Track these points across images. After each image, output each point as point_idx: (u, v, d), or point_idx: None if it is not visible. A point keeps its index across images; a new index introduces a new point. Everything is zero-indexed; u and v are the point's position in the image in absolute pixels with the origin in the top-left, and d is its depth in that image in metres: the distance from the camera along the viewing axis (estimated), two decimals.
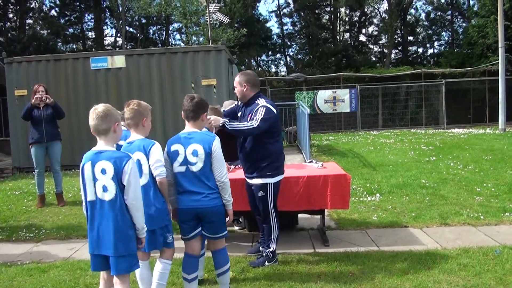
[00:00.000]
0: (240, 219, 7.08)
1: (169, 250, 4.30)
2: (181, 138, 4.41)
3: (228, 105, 6.34)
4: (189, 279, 4.40)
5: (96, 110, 3.63)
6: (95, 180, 3.57)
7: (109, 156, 3.57)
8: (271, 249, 5.48)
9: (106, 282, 3.77)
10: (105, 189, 3.55)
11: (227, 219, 4.55)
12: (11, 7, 37.59)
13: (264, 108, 5.20)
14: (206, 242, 4.76)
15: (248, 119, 5.30)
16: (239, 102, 5.69)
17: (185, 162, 4.33)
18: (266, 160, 5.31)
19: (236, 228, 7.10)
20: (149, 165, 4.11)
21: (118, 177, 3.55)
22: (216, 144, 4.39)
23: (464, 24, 42.16)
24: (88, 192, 3.61)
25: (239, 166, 6.30)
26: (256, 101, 5.36)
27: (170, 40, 43.10)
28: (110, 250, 3.55)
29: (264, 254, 5.52)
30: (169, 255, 4.32)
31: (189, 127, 4.49)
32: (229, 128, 5.14)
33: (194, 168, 4.32)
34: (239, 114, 5.62)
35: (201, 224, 4.42)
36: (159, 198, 4.16)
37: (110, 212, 3.56)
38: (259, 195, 5.40)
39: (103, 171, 3.54)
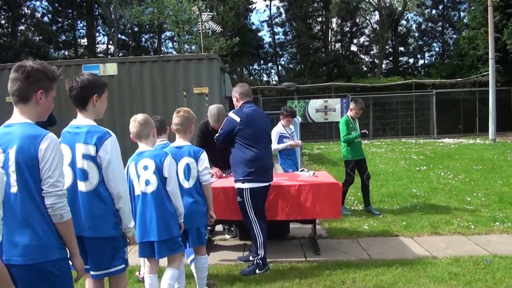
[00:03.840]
0: (232, 228, 7.07)
1: (204, 247, 4.77)
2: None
3: (213, 111, 6.38)
4: None
5: (137, 119, 4.19)
6: (138, 176, 4.12)
7: (150, 155, 4.14)
8: (260, 256, 5.49)
9: (150, 268, 4.26)
10: (147, 182, 4.09)
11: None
12: (3, 13, 37.53)
13: (225, 118, 5.63)
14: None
15: None
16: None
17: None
18: (238, 166, 5.51)
19: (227, 236, 7.09)
20: (198, 170, 4.63)
21: (159, 171, 4.09)
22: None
23: (454, 36, 42.58)
24: (134, 188, 4.14)
25: (230, 174, 6.33)
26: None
27: (162, 48, 43.13)
28: (154, 236, 4.05)
29: (254, 262, 5.52)
30: (205, 251, 4.78)
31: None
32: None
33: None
34: None
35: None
36: (203, 199, 4.71)
37: (153, 203, 4.08)
38: (238, 200, 5.54)
39: (145, 168, 4.10)
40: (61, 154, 2.80)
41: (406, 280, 5.07)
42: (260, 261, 5.47)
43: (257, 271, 5.42)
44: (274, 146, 7.92)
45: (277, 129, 8.13)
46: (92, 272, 3.39)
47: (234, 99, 5.73)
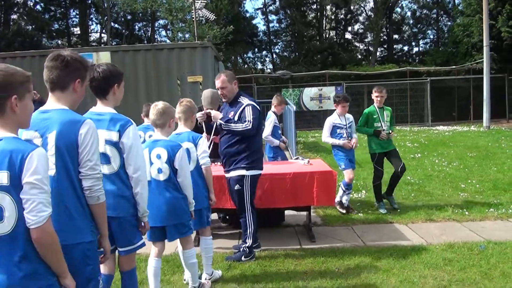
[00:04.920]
0: (227, 216, 7.07)
1: (208, 228, 5.02)
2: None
3: (207, 94, 6.34)
4: None
5: (156, 107, 4.36)
6: (151, 163, 4.29)
7: (164, 144, 4.32)
8: (247, 244, 5.53)
9: (157, 251, 4.43)
10: (159, 171, 4.29)
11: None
12: None
13: (251, 107, 5.38)
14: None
15: (230, 116, 5.44)
16: (223, 102, 5.81)
17: None
18: (242, 153, 5.43)
19: (222, 225, 7.09)
20: (197, 154, 4.81)
21: (171, 161, 4.27)
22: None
23: (449, 23, 42.41)
24: None
25: (221, 163, 6.36)
26: (239, 99, 5.51)
27: (155, 36, 42.89)
28: (165, 221, 4.29)
29: (241, 249, 5.56)
30: (209, 233, 5.03)
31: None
32: (225, 128, 5.37)
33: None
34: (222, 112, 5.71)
35: None
36: (204, 182, 4.92)
37: (164, 190, 4.29)
38: (235, 188, 5.51)
39: (158, 156, 4.29)
40: (98, 139, 2.97)
41: (400, 266, 5.09)
42: (247, 249, 5.51)
43: (242, 258, 5.47)
44: (326, 138, 7.69)
45: (331, 119, 7.70)
46: (120, 249, 3.55)
47: (233, 86, 5.51)
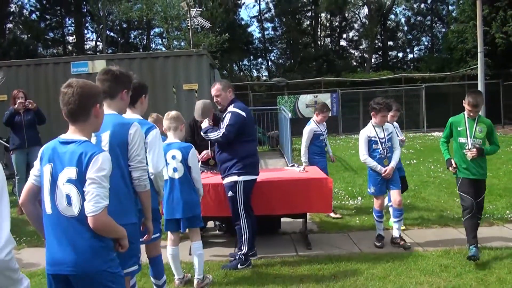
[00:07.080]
0: (223, 224, 7.07)
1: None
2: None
3: (198, 106, 6.34)
4: None
5: (170, 114, 5.07)
6: (167, 164, 4.81)
7: (178, 146, 4.98)
8: (242, 252, 5.52)
9: (173, 240, 5.05)
10: (175, 170, 4.93)
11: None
12: None
13: (230, 114, 5.42)
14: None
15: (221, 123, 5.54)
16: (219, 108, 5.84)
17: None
18: (232, 160, 5.45)
19: (219, 232, 7.09)
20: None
21: (185, 160, 4.92)
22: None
23: (443, 30, 42.59)
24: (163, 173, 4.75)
25: (212, 171, 6.44)
26: (228, 107, 5.54)
27: (151, 44, 42.95)
28: (180, 214, 4.91)
29: (237, 257, 5.55)
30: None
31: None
32: (206, 138, 5.68)
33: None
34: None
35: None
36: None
37: (179, 187, 4.93)
38: (228, 195, 5.51)
39: (173, 157, 4.93)
40: (144, 138, 3.60)
41: (397, 273, 5.10)
42: (243, 257, 5.51)
43: (239, 266, 5.47)
44: (365, 158, 6.18)
45: (365, 132, 6.17)
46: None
47: (227, 93, 5.56)
